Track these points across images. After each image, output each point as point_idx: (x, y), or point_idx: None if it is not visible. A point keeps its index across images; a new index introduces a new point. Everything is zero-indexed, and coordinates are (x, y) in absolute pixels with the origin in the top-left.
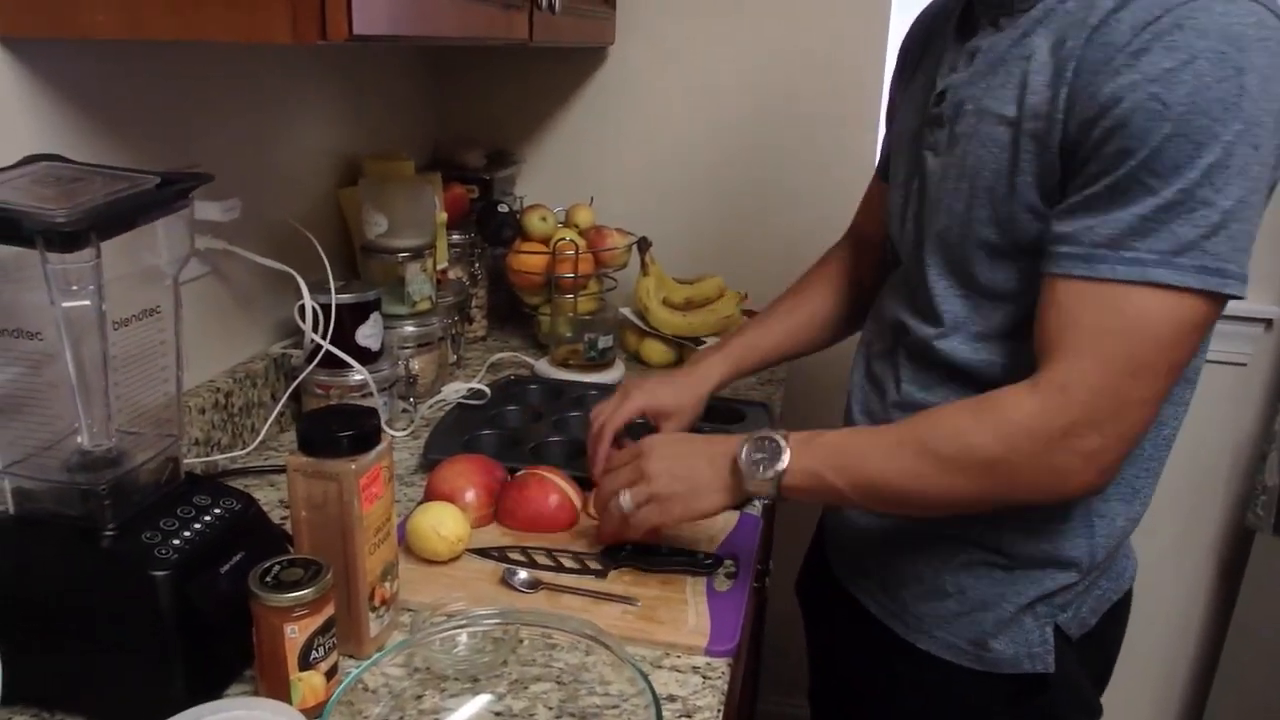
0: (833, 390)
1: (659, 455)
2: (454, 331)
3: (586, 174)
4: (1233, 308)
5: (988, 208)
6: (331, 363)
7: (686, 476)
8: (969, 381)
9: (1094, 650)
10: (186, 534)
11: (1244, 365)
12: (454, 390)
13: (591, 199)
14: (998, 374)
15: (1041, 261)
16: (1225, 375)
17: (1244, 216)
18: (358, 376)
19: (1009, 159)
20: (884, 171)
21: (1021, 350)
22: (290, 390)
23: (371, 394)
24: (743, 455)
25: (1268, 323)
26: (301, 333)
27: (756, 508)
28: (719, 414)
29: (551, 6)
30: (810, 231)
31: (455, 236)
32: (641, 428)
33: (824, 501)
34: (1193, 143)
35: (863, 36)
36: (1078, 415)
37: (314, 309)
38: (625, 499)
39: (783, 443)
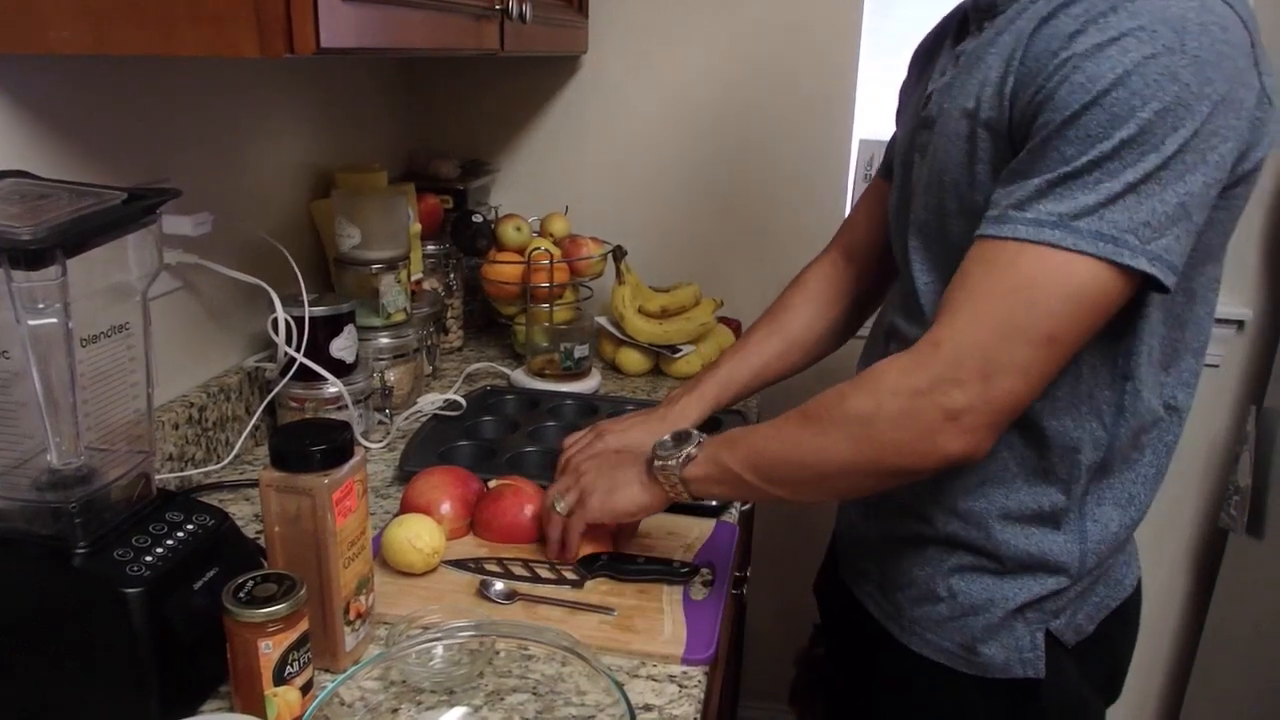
0: (811, 395)
1: (591, 453)
2: (429, 343)
3: (561, 183)
4: None
5: (955, 200)
6: (306, 375)
7: (609, 472)
8: None
9: (1095, 658)
10: (159, 551)
11: (1216, 367)
12: (430, 401)
13: (566, 208)
14: None
15: None
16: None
17: (1152, 193)
18: (332, 389)
19: (967, 150)
20: (886, 174)
21: None
22: (265, 404)
23: (346, 406)
24: (653, 447)
25: (1239, 324)
26: (275, 346)
27: (733, 515)
28: None
29: (522, 16)
30: (785, 237)
31: (430, 247)
32: None
33: (732, 492)
34: (1109, 114)
35: (836, 44)
36: (943, 370)
37: (287, 322)
38: (560, 503)
39: (693, 434)
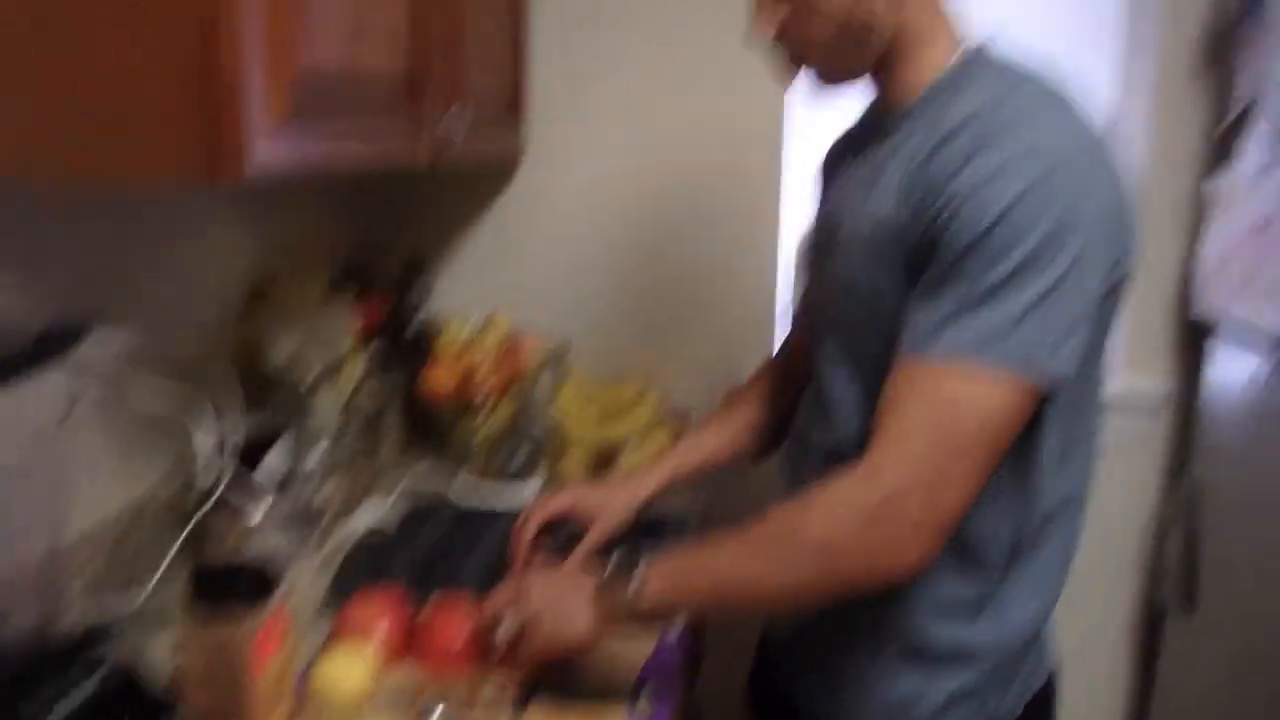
0: (760, 486)
1: (537, 578)
2: (365, 454)
3: (503, 280)
4: (1129, 388)
5: (863, 307)
6: (233, 497)
7: (555, 600)
8: None
9: None
10: (64, 703)
11: (1141, 443)
12: (364, 517)
13: (507, 307)
14: None
15: None
16: (1125, 455)
17: (1052, 309)
18: (261, 510)
19: (873, 260)
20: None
21: None
22: (189, 529)
23: (275, 529)
24: (601, 581)
25: (1158, 401)
26: (200, 466)
27: (678, 625)
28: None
29: (453, 136)
30: (731, 324)
31: (366, 353)
32: (567, 536)
33: (687, 612)
34: (1001, 244)
35: (762, 137)
36: (890, 490)
37: (213, 442)
38: (501, 630)
39: (637, 561)
